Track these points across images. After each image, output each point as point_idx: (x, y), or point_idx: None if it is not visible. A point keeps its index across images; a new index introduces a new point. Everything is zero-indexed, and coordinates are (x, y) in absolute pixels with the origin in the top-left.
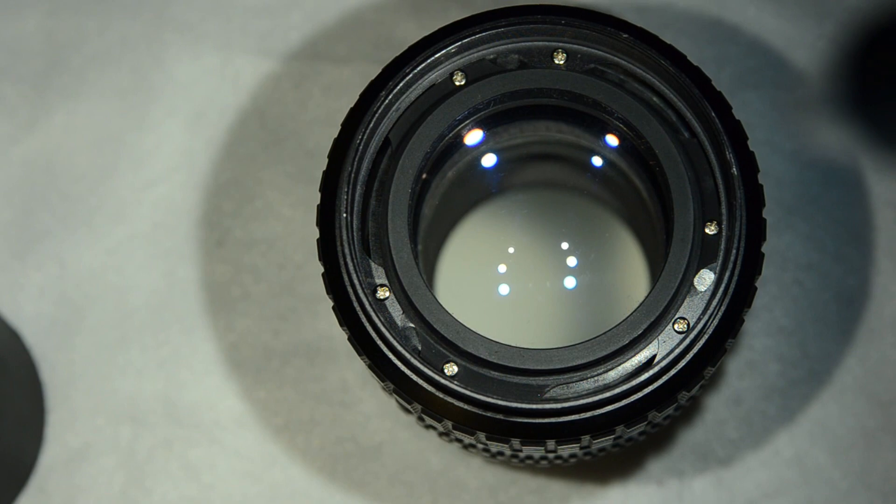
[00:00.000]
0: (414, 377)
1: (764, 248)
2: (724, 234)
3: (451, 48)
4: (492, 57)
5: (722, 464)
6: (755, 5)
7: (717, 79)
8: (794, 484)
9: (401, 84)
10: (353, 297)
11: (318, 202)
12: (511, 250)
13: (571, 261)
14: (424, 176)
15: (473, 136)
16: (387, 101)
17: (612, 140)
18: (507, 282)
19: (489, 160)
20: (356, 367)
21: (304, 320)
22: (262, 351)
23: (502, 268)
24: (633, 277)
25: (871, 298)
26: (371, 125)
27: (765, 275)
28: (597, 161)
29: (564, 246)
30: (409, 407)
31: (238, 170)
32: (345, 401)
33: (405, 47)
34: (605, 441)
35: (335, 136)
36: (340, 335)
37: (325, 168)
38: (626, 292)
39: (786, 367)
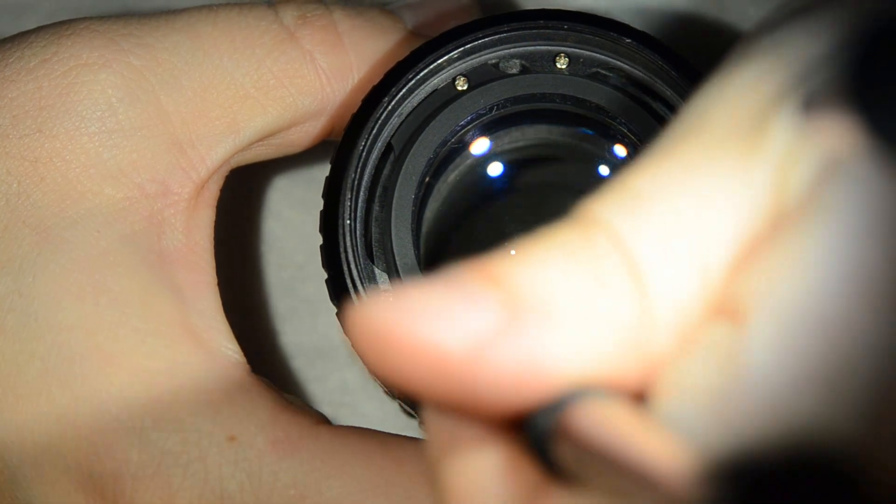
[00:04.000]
0: None
1: None
2: None
3: (454, 53)
4: (494, 61)
5: None
6: (755, 5)
7: None
8: None
9: (403, 90)
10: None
11: (322, 208)
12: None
13: None
14: (427, 180)
15: (476, 140)
16: (389, 106)
17: (614, 145)
18: None
19: (491, 164)
20: (357, 368)
21: (304, 320)
22: (263, 351)
23: None
24: None
25: None
26: (374, 131)
27: None
28: (600, 167)
29: None
30: (411, 411)
31: (238, 169)
32: (345, 402)
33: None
34: None
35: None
36: (341, 335)
37: (328, 174)
38: None
39: None
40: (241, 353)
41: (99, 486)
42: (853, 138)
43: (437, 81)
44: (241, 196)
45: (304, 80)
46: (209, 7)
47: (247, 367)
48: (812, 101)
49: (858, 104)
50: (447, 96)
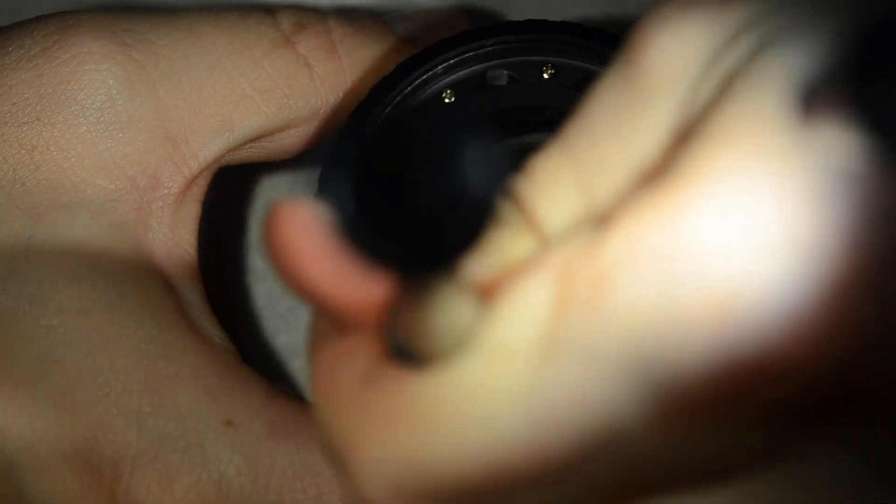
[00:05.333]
0: None
1: None
2: None
3: (440, 68)
4: (481, 73)
5: None
6: None
7: None
8: None
9: (388, 108)
10: None
11: None
12: None
13: None
14: None
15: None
16: (376, 122)
17: None
18: None
19: None
20: None
21: (303, 320)
22: (263, 351)
23: None
24: None
25: None
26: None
27: None
28: None
29: None
30: None
31: (239, 167)
32: None
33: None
34: None
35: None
36: None
37: (316, 190)
38: None
39: None
40: (230, 342)
41: (97, 471)
42: (855, 138)
43: (423, 96)
44: (241, 194)
45: (299, 83)
46: (210, 10)
47: (238, 354)
48: (811, 102)
49: (861, 104)
50: (434, 109)
